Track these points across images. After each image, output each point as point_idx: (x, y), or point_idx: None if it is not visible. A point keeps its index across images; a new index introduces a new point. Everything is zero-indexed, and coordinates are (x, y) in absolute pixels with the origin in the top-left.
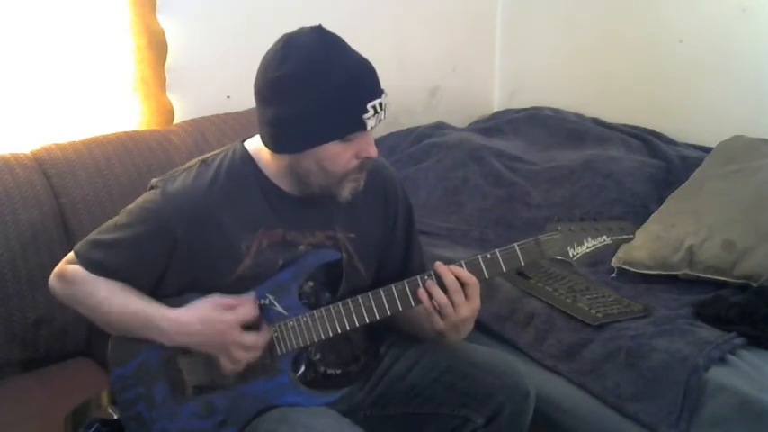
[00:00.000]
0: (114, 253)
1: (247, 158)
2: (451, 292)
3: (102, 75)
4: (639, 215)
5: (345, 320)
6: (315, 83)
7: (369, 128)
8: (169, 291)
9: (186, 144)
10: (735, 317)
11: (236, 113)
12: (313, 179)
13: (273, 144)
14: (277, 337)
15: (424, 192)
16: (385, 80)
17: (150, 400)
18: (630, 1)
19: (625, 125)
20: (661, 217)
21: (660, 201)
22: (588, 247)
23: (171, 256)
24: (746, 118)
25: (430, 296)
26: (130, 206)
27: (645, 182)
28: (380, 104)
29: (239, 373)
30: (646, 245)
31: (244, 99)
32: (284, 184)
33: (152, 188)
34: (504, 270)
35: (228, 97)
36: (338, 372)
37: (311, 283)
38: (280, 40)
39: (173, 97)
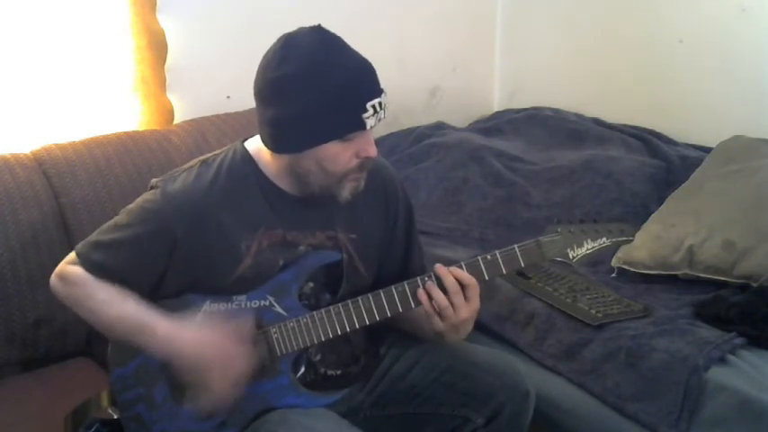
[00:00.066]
0: (115, 254)
1: (248, 158)
2: (451, 293)
3: (102, 75)
4: (639, 215)
5: (345, 322)
6: (314, 82)
7: (368, 127)
8: (169, 291)
9: (186, 144)
10: (735, 317)
11: (236, 113)
12: (313, 179)
13: (273, 144)
14: (277, 339)
15: (424, 192)
16: (385, 80)
17: (150, 400)
18: (630, 1)
19: (625, 125)
20: (661, 217)
21: (660, 201)
22: (588, 249)
23: (171, 256)
24: (746, 118)
25: (430, 298)
26: (131, 206)
27: (645, 182)
28: (380, 104)
29: (234, 388)
30: (646, 245)
31: (244, 99)
32: (284, 185)
33: (152, 188)
34: (503, 272)
35: (228, 97)
36: (338, 373)
37: (311, 284)
38: (279, 40)
39: (173, 97)
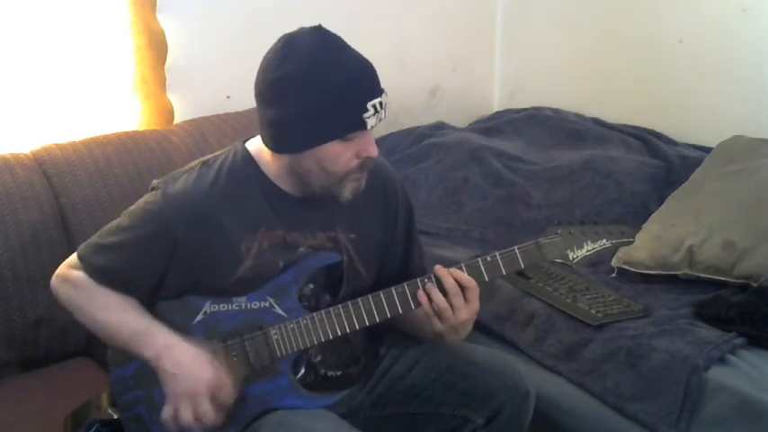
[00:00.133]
0: (117, 256)
1: (248, 159)
2: (451, 295)
3: (102, 75)
4: (639, 215)
5: (345, 323)
6: (315, 83)
7: (369, 127)
8: (170, 292)
9: (186, 144)
10: (735, 317)
11: (236, 113)
12: (314, 179)
13: (274, 144)
14: (277, 340)
15: (424, 192)
16: (385, 80)
17: (150, 401)
18: (630, 1)
19: (625, 125)
20: (661, 217)
21: (660, 201)
22: (588, 251)
23: (172, 257)
24: (746, 118)
25: (429, 299)
26: (131, 207)
27: (645, 182)
28: (381, 104)
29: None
30: (646, 245)
31: (244, 99)
32: (285, 185)
33: (153, 189)
34: (503, 273)
35: (228, 97)
36: (338, 374)
37: (311, 286)
38: (280, 40)
39: (173, 97)
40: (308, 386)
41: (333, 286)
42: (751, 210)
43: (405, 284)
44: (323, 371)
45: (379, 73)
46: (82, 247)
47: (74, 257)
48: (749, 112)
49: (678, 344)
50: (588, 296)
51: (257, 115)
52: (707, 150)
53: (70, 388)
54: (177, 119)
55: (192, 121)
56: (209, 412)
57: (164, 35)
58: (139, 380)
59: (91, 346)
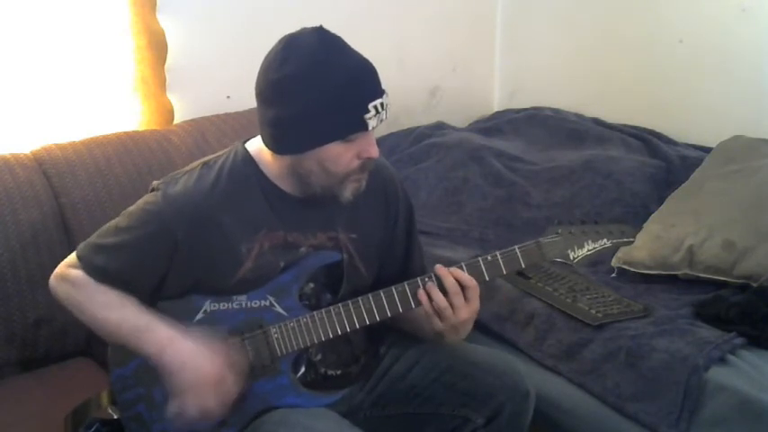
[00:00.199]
0: (116, 256)
1: (249, 160)
2: (451, 294)
3: (102, 75)
4: (639, 215)
5: (345, 322)
6: (316, 83)
7: (370, 128)
8: (170, 293)
9: (186, 144)
10: (735, 317)
11: (236, 113)
12: (314, 180)
13: (275, 145)
14: (277, 339)
15: (424, 192)
16: (385, 80)
17: (150, 400)
18: (630, 1)
19: (625, 125)
20: (661, 217)
21: (660, 201)
22: (589, 250)
23: (172, 258)
24: (746, 118)
25: (430, 298)
26: (131, 208)
27: (645, 182)
28: (382, 104)
29: (212, 411)
30: (646, 245)
31: (244, 99)
32: (285, 185)
33: (153, 190)
34: (504, 272)
35: (228, 97)
36: (338, 373)
37: (312, 285)
38: (281, 40)
39: (173, 97)
40: (308, 385)
41: (333, 285)
42: (751, 210)
43: (405, 283)
44: (323, 370)
45: (379, 73)
46: (81, 246)
47: (72, 257)
48: (749, 112)
49: (678, 344)
50: (588, 296)
51: (258, 116)
52: (707, 150)
53: (70, 388)
54: (177, 119)
55: (192, 121)
56: (213, 406)
57: (164, 35)
58: (139, 379)
59: (91, 346)
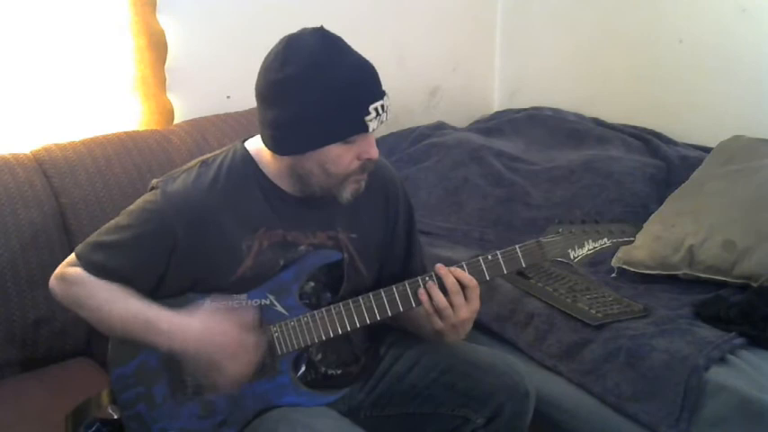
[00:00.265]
0: (115, 254)
1: (248, 159)
2: (451, 293)
3: (102, 75)
4: (639, 215)
5: (346, 321)
6: (316, 85)
7: (371, 130)
8: (170, 291)
9: (186, 144)
10: (735, 317)
11: (236, 113)
12: (314, 180)
13: (275, 146)
14: (278, 338)
15: (424, 192)
16: (385, 80)
17: (150, 399)
18: (630, 1)
19: (625, 125)
20: (661, 217)
21: (660, 201)
22: (589, 250)
23: (171, 256)
24: (746, 118)
25: (430, 297)
26: (131, 207)
27: (645, 182)
28: (382, 106)
29: (242, 378)
30: (646, 245)
31: (244, 99)
32: (285, 185)
33: (152, 189)
34: (504, 272)
35: (228, 97)
36: (338, 372)
37: (312, 284)
38: (281, 41)
39: (173, 97)
40: (308, 384)
41: (333, 284)
42: (751, 210)
43: (406, 283)
44: (323, 369)
45: (379, 73)
46: (80, 246)
47: (71, 257)
48: (749, 112)
49: (678, 344)
50: (588, 296)
51: (258, 116)
52: (707, 150)
53: (70, 388)
54: (177, 119)
55: (192, 121)
56: (241, 371)
57: (164, 35)
58: (140, 378)
59: (91, 346)
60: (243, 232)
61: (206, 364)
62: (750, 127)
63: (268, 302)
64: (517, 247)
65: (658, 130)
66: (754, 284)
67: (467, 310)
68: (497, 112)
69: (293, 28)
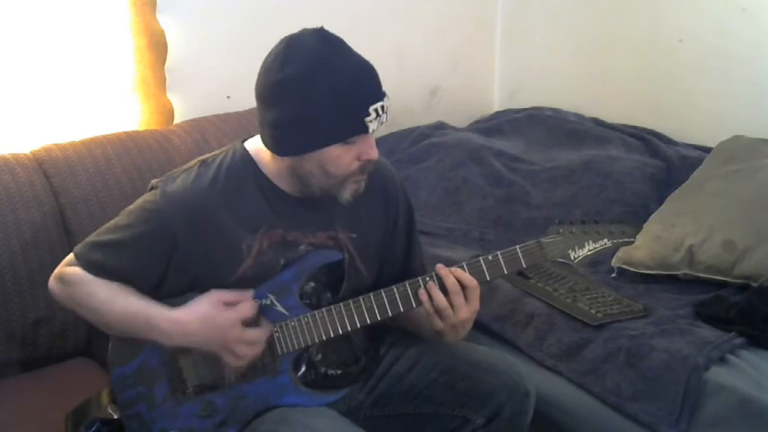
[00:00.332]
0: (115, 254)
1: (247, 159)
2: (452, 294)
3: (102, 75)
4: (639, 215)
5: (346, 321)
6: (316, 85)
7: (371, 131)
8: (170, 292)
9: (186, 144)
10: (735, 317)
11: (236, 113)
12: (314, 181)
13: (275, 146)
14: (278, 338)
15: (425, 192)
16: (385, 80)
17: (150, 399)
18: (630, 1)
19: (625, 125)
20: (661, 217)
21: (660, 201)
22: (589, 250)
23: (171, 256)
24: (746, 118)
25: (430, 298)
26: (130, 207)
27: (645, 182)
28: (382, 107)
29: (242, 372)
30: (646, 245)
31: (244, 99)
32: (285, 185)
33: (152, 189)
34: (505, 272)
35: (228, 97)
36: (339, 372)
37: (312, 284)
38: (281, 41)
39: (173, 97)
40: (308, 384)
41: (334, 284)
42: (751, 210)
43: (406, 283)
44: (323, 369)
45: (379, 73)
46: (79, 246)
47: (70, 257)
48: (749, 112)
49: (678, 344)
50: (588, 296)
51: (258, 117)
52: (707, 150)
53: (70, 388)
54: (177, 119)
55: (192, 121)
56: (251, 347)
57: (164, 35)
58: (140, 377)
59: (91, 346)
60: (243, 232)
61: (217, 341)
62: (750, 127)
63: (268, 302)
64: (518, 247)
65: (658, 130)
66: (754, 284)
67: (467, 310)
68: (497, 112)
69: (293, 28)
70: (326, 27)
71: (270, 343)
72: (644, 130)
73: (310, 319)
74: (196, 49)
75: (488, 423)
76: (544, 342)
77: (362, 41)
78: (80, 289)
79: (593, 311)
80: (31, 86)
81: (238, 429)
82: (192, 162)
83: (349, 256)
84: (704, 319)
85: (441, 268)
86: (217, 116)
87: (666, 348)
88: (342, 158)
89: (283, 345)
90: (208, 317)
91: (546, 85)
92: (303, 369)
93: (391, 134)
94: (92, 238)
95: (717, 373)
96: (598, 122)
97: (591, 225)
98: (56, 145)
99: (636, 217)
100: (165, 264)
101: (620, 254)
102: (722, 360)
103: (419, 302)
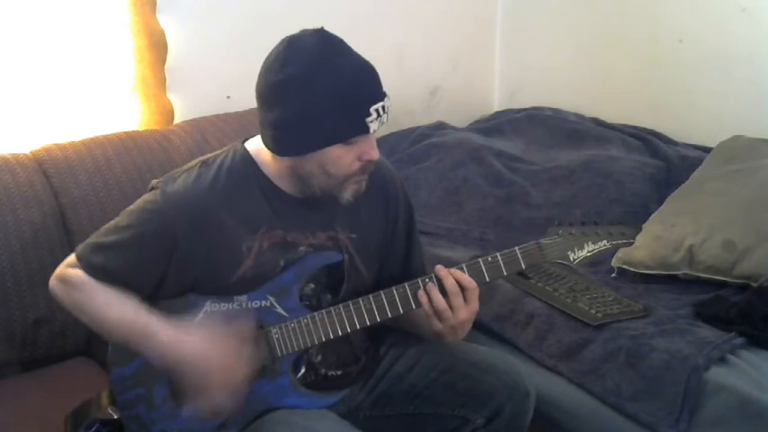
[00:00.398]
0: (115, 255)
1: (248, 159)
2: (451, 295)
3: (102, 75)
4: (639, 215)
5: (346, 322)
6: (317, 86)
7: (371, 131)
8: (170, 292)
9: (186, 144)
10: (735, 317)
11: (236, 113)
12: (315, 181)
13: (276, 147)
14: (278, 339)
15: (425, 192)
16: (385, 80)
17: (150, 400)
18: (630, 1)
19: (625, 125)
20: (661, 217)
21: (660, 201)
22: (589, 252)
23: (171, 256)
24: (746, 118)
25: (429, 299)
26: (131, 207)
27: (645, 182)
28: (383, 107)
29: (236, 393)
30: (646, 245)
31: (244, 99)
32: (285, 185)
33: (152, 189)
34: (504, 273)
35: (228, 97)
36: (339, 373)
37: (312, 285)
38: (281, 42)
39: (173, 97)
40: (308, 385)
41: (334, 286)
42: (751, 210)
43: (406, 284)
44: (323, 370)
45: (379, 73)
46: (80, 247)
47: (71, 257)
48: (749, 112)
49: (678, 344)
50: (588, 296)
51: (258, 117)
52: (707, 150)
53: (70, 388)
54: (177, 119)
55: (192, 121)
56: (225, 401)
57: (164, 35)
58: (140, 379)
59: (91, 346)
60: (243, 233)
61: (200, 381)
62: (750, 127)
63: (268, 304)
64: (517, 248)
65: (658, 130)
66: (754, 284)
67: (466, 311)
68: (497, 112)
69: (294, 28)
70: (326, 27)
71: (267, 352)
72: (644, 130)
73: (310, 321)
74: (196, 49)
75: (488, 423)
76: (544, 342)
77: (362, 41)
78: (80, 292)
79: (593, 311)
80: (31, 86)
81: (238, 431)
82: (193, 162)
83: (349, 256)
84: (704, 319)
85: (440, 269)
86: (217, 116)
87: (666, 348)
88: (342, 159)
89: (283, 346)
90: (205, 341)
91: (546, 85)
92: (303, 370)
93: (391, 134)
94: (92, 239)
95: (717, 373)
96: (598, 122)
97: (590, 226)
98: (56, 145)
99: (636, 217)
100: (165, 264)
101: (620, 254)
102: (722, 360)
103: (418, 304)
